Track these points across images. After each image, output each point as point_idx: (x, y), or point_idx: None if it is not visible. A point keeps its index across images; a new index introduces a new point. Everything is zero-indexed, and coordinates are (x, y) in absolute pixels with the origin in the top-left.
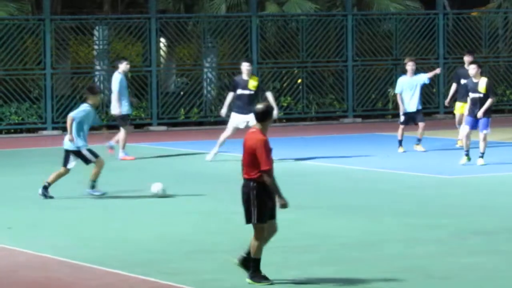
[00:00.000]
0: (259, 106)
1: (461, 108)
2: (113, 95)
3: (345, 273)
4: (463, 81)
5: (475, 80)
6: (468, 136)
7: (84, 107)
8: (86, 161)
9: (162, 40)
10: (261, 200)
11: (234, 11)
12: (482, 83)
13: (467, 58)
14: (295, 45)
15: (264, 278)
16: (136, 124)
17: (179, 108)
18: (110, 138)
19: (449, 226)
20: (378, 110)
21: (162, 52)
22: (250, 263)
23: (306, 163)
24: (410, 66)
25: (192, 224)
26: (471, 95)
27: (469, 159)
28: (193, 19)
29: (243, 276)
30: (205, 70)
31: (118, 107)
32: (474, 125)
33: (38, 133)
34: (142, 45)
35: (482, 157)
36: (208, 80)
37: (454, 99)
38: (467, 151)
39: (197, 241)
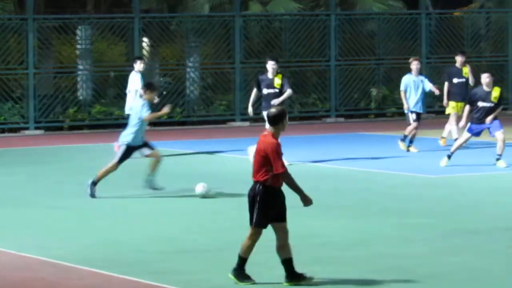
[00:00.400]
0: (272, 110)
1: (456, 107)
2: (133, 94)
3: (330, 273)
4: (456, 80)
5: (487, 89)
6: (465, 142)
7: (145, 103)
8: (116, 155)
9: (145, 39)
10: (264, 205)
11: (218, 11)
12: (495, 93)
13: (459, 58)
14: (278, 45)
15: (247, 278)
16: (117, 124)
17: (162, 107)
18: None
19: (436, 226)
20: (360, 109)
21: (145, 52)
22: (290, 268)
23: (290, 163)
24: (415, 65)
25: (178, 224)
26: (481, 104)
27: (449, 159)
28: (177, 18)
29: (228, 276)
30: (188, 69)
31: None
32: (477, 134)
33: (20, 133)
34: (125, 44)
35: (500, 159)
36: (191, 79)
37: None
38: (452, 153)
39: (183, 241)
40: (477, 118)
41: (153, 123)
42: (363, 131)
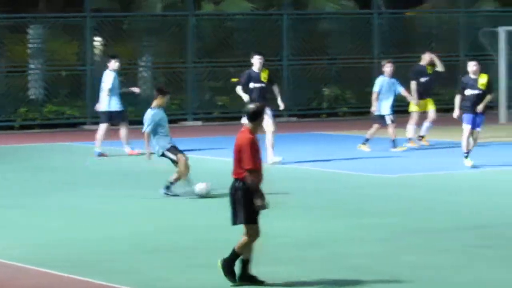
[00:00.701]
0: (251, 106)
1: (423, 106)
2: (104, 92)
3: (289, 273)
4: (422, 79)
5: (474, 77)
6: (469, 135)
7: (150, 115)
8: (173, 161)
9: (98, 38)
10: (248, 200)
11: (170, 10)
12: (482, 80)
13: (427, 56)
14: (231, 45)
15: (232, 275)
16: (70, 123)
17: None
18: None
19: (394, 225)
20: (313, 109)
21: (97, 51)
22: (245, 269)
23: None
24: (388, 67)
25: (136, 223)
26: (470, 91)
27: (469, 159)
28: (129, 18)
29: (183, 277)
30: (140, 69)
31: (106, 103)
32: (474, 123)
33: None
34: (77, 44)
35: (467, 157)
36: (143, 79)
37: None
38: (468, 152)
39: (139, 241)
40: (468, 107)
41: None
42: (316, 130)
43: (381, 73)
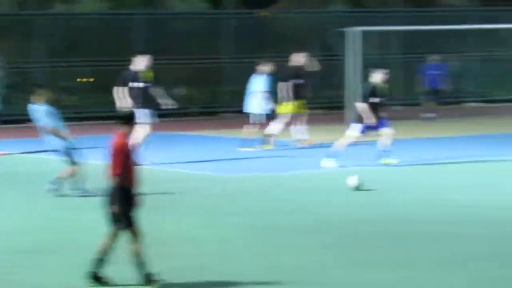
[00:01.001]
0: (123, 110)
1: (296, 107)
2: None
3: (121, 272)
4: (294, 81)
5: (379, 85)
6: (352, 141)
7: (46, 110)
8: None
9: None
10: (125, 203)
11: (21, 9)
12: (385, 88)
13: (294, 58)
14: (84, 44)
15: (153, 281)
16: None
17: None
18: None
19: (238, 225)
20: (165, 109)
21: None
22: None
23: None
24: (267, 66)
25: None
26: (374, 99)
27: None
28: None
29: (48, 276)
30: None
31: None
32: (372, 128)
33: None
34: None
35: (386, 156)
36: None
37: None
38: (335, 155)
39: (10, 241)
40: (371, 115)
41: None
42: (167, 130)
43: (245, 72)
